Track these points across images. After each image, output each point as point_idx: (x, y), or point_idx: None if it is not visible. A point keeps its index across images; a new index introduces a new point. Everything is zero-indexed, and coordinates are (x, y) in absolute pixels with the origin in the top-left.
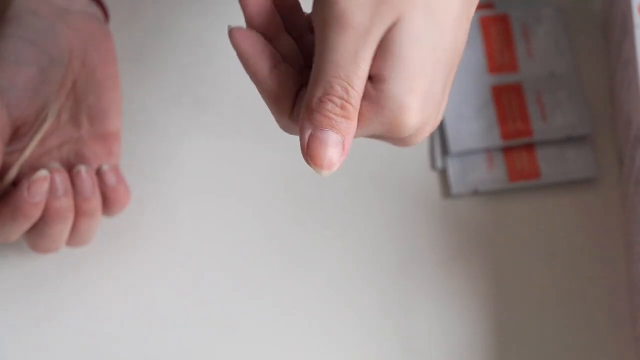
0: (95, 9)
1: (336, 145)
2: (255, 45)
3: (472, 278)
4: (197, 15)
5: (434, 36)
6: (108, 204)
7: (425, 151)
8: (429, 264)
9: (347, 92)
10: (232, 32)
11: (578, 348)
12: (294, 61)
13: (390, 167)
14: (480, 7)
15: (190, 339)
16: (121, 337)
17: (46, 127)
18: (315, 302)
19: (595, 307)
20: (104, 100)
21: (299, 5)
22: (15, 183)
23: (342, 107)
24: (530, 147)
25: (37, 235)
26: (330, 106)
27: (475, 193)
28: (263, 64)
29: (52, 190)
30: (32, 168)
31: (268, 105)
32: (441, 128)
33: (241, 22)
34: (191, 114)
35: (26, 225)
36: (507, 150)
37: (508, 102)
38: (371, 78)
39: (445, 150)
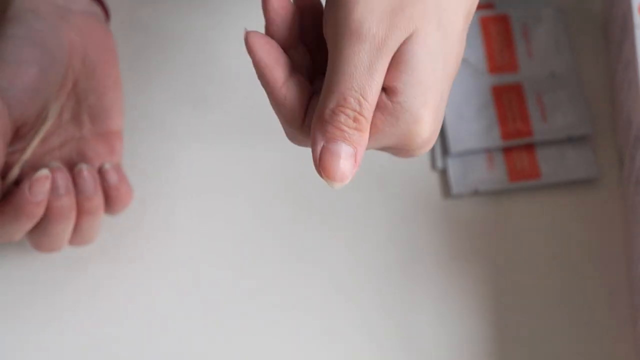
0: (95, 8)
1: (348, 158)
2: (271, 54)
3: (472, 278)
4: (200, 14)
5: (444, 50)
6: (110, 202)
7: None
8: (429, 264)
9: (360, 104)
10: (248, 37)
11: (578, 348)
12: (305, 71)
13: (391, 167)
14: (480, 7)
15: (192, 339)
16: (123, 337)
17: (47, 126)
18: (316, 302)
19: (595, 307)
20: (105, 99)
21: (321, 13)
22: (17, 182)
23: (355, 120)
24: (530, 147)
25: (40, 234)
26: (343, 118)
27: (475, 193)
28: (278, 74)
29: (53, 189)
30: (33, 167)
31: (278, 115)
32: (441, 128)
33: (244, 22)
34: (193, 113)
35: (28, 224)
36: (507, 150)
37: (508, 102)
38: (385, 89)
39: (445, 150)
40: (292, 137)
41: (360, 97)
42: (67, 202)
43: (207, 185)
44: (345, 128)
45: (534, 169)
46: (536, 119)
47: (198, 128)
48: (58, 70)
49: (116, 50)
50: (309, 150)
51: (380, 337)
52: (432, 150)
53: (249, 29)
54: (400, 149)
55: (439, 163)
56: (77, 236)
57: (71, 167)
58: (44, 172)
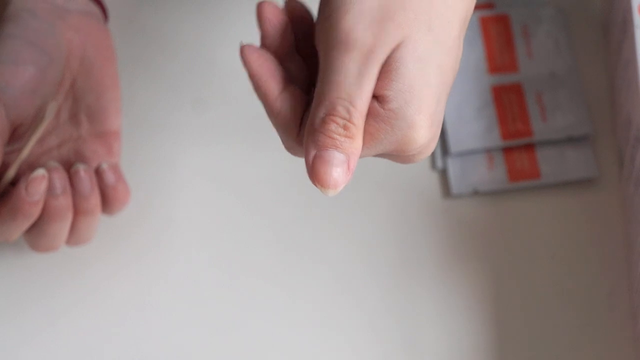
0: (93, 8)
1: (340, 165)
2: (266, 66)
3: (472, 278)
4: (199, 14)
5: (438, 57)
6: (107, 202)
7: None
8: (429, 264)
9: (350, 113)
10: (243, 50)
11: (578, 348)
12: (301, 81)
13: (391, 167)
14: (480, 7)
15: (192, 338)
16: (121, 337)
17: (44, 125)
18: (316, 302)
19: (595, 307)
20: (103, 99)
21: (312, 23)
22: (14, 182)
23: (345, 127)
24: (530, 147)
25: (37, 234)
26: (333, 126)
27: (475, 193)
28: (273, 86)
29: (50, 189)
30: (31, 167)
31: (274, 126)
32: (441, 128)
33: (243, 22)
34: (192, 113)
35: (25, 224)
36: (507, 150)
37: (508, 102)
38: (377, 98)
39: (445, 150)
40: (289, 148)
41: (350, 106)
42: (63, 202)
43: (205, 186)
44: (336, 136)
45: (534, 169)
46: (536, 119)
47: (197, 128)
48: (56, 70)
49: (114, 49)
50: None
51: (381, 336)
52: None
53: (245, 42)
54: (397, 156)
55: (439, 163)
56: (74, 236)
57: (69, 167)
58: (40, 172)
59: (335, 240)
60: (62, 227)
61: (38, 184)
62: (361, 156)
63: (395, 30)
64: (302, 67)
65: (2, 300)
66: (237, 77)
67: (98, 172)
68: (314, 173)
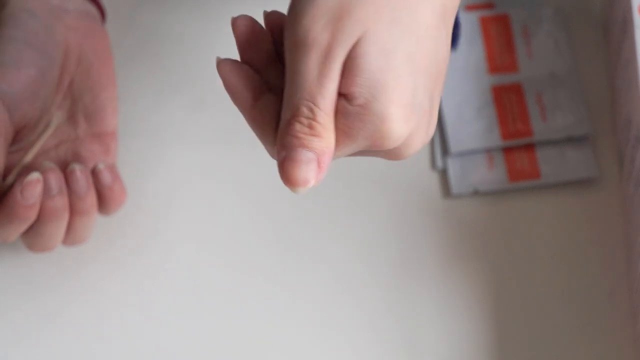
0: (91, 8)
1: (308, 162)
2: (240, 77)
3: (472, 278)
4: (196, 14)
5: (407, 46)
6: (104, 203)
7: (425, 151)
8: (429, 264)
9: (313, 112)
10: (218, 64)
11: (578, 348)
12: (281, 88)
13: (390, 167)
14: (480, 7)
15: (191, 338)
16: (117, 337)
17: (49, 133)
18: (315, 302)
19: (595, 307)
20: (100, 99)
21: None
22: (13, 185)
23: (310, 126)
24: (530, 147)
25: (33, 235)
26: (298, 127)
27: (475, 193)
28: (247, 95)
29: (45, 190)
30: (28, 168)
31: (255, 133)
32: (441, 128)
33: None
34: (190, 113)
35: (22, 227)
36: (507, 150)
37: (508, 102)
38: (345, 95)
39: (445, 150)
40: (270, 153)
41: (312, 105)
42: (59, 202)
43: (204, 186)
44: (302, 135)
45: (534, 169)
46: (536, 119)
47: (194, 128)
48: (54, 71)
49: (111, 50)
50: None
51: (381, 336)
52: (432, 150)
53: (221, 56)
54: (378, 152)
55: (439, 163)
56: (70, 236)
57: (66, 167)
58: (34, 175)
59: (335, 240)
60: (58, 228)
61: (33, 187)
62: (339, 155)
63: (353, 25)
64: (281, 75)
65: None
66: None
67: (94, 173)
68: (283, 173)
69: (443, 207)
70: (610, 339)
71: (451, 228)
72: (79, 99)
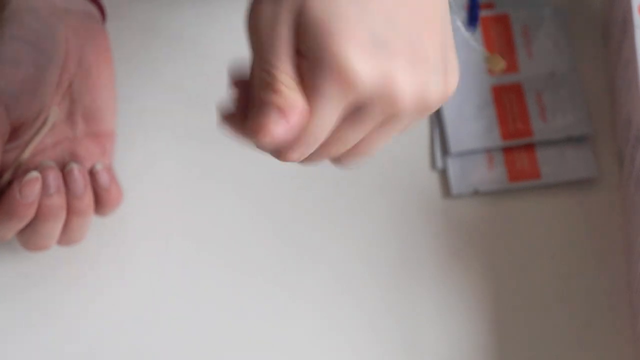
0: (92, 8)
1: (274, 115)
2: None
3: (472, 278)
4: (194, 13)
5: None
6: (100, 203)
7: (425, 151)
8: (429, 264)
9: (271, 74)
10: (221, 120)
11: (578, 348)
12: None
13: (391, 167)
14: (480, 6)
15: (189, 338)
16: (115, 337)
17: (46, 130)
18: (315, 301)
19: (595, 307)
20: (99, 100)
21: None
22: (10, 182)
23: (273, 89)
24: (530, 147)
25: (29, 233)
26: (262, 94)
27: (475, 193)
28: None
29: (44, 188)
30: (26, 167)
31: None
32: (441, 128)
33: (238, 20)
34: (187, 112)
35: (20, 225)
36: (507, 150)
37: (508, 102)
38: (301, 53)
39: (445, 150)
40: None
41: (269, 67)
42: (57, 201)
43: (203, 185)
44: (267, 97)
45: (533, 169)
46: (536, 119)
47: (192, 127)
48: (54, 71)
49: (111, 51)
50: None
51: (381, 336)
52: (432, 150)
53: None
54: (384, 112)
55: (439, 163)
56: (66, 235)
57: (63, 166)
58: (33, 174)
59: (335, 240)
60: (54, 227)
61: (32, 186)
62: (321, 114)
63: None
64: None
65: None
66: None
67: (92, 173)
68: (251, 129)
69: (443, 207)
70: (610, 339)
71: (451, 228)
72: (78, 100)
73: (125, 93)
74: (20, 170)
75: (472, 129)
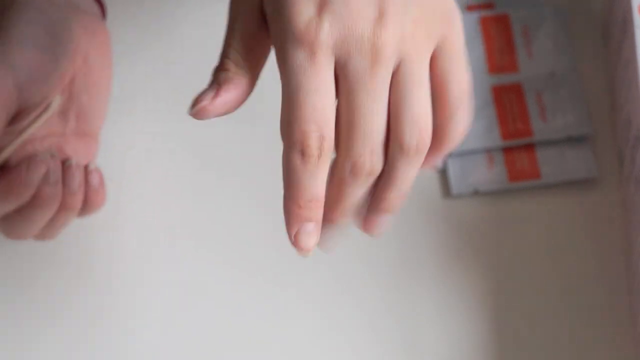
0: (96, 9)
1: (207, 91)
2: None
3: (472, 278)
4: (193, 15)
5: None
6: (86, 203)
7: None
8: (429, 264)
9: (224, 53)
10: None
11: (578, 348)
12: None
13: None
14: (480, 7)
15: (187, 338)
16: (112, 336)
17: (47, 116)
18: (315, 301)
19: (595, 307)
20: (95, 100)
21: None
22: (2, 167)
23: (222, 67)
24: (530, 147)
25: (17, 218)
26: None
27: (475, 193)
28: None
29: (46, 176)
30: (15, 154)
31: None
32: None
33: None
34: (185, 111)
35: (11, 206)
36: (507, 150)
37: (508, 102)
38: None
39: None
40: None
41: (224, 49)
42: (55, 191)
43: (202, 186)
44: (213, 75)
45: (533, 169)
46: (536, 119)
47: (192, 126)
48: (65, 63)
49: (112, 53)
50: None
51: (381, 336)
52: None
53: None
54: (354, 57)
55: (439, 163)
56: (47, 229)
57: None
58: (45, 156)
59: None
60: (43, 216)
61: (40, 167)
62: (297, 74)
63: None
64: None
65: None
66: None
67: (85, 172)
68: (191, 104)
69: (443, 207)
70: (610, 339)
71: (451, 228)
72: (76, 96)
73: (124, 91)
74: (11, 155)
75: (472, 129)
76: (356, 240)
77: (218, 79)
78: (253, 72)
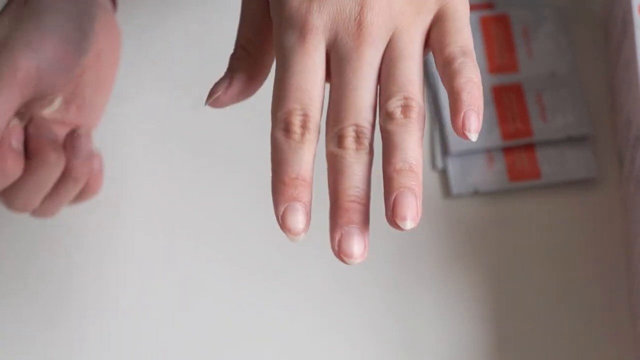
0: (109, 3)
1: (221, 82)
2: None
3: (472, 278)
4: (194, 12)
5: None
6: (86, 187)
7: (426, 151)
8: (429, 264)
9: (236, 42)
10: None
11: (578, 348)
12: None
13: None
14: (480, 7)
15: (186, 337)
16: (111, 334)
17: (51, 110)
18: (315, 300)
19: (595, 307)
20: (98, 96)
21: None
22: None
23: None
24: (530, 147)
25: (20, 184)
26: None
27: (475, 193)
28: None
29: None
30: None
31: None
32: (441, 128)
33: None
34: (188, 110)
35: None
36: (507, 150)
37: (508, 102)
38: None
39: (445, 150)
40: None
41: (237, 37)
42: (60, 155)
43: (202, 185)
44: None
45: (534, 169)
46: (536, 119)
47: (192, 125)
48: (84, 57)
49: (120, 53)
50: None
51: (381, 336)
52: (432, 150)
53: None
54: (341, 31)
55: (439, 163)
56: (49, 202)
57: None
58: (84, 130)
59: None
60: (49, 178)
61: (87, 141)
62: (293, 58)
63: None
64: None
65: None
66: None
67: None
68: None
69: (443, 207)
70: (610, 339)
71: (451, 228)
72: (81, 90)
73: (124, 90)
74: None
75: None
76: None
77: (231, 67)
78: (265, 58)
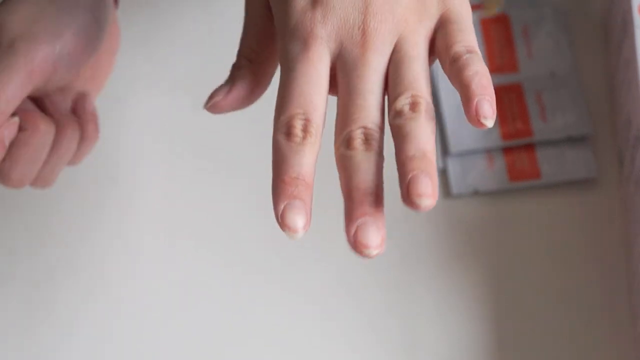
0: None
1: (221, 88)
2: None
3: (472, 278)
4: (194, 15)
5: None
6: (83, 140)
7: None
8: (429, 264)
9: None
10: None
11: (578, 348)
12: None
13: (390, 166)
14: (480, 7)
15: (186, 338)
16: (112, 334)
17: None
18: (315, 301)
19: (595, 307)
20: (91, 91)
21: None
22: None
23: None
24: (530, 147)
25: (15, 151)
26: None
27: (475, 193)
28: None
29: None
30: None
31: None
32: (441, 128)
33: (236, 19)
34: (190, 110)
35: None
36: (507, 150)
37: (508, 102)
38: None
39: (445, 150)
40: None
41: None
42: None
43: (202, 185)
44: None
45: (534, 169)
46: (536, 119)
47: (193, 125)
48: (95, 56)
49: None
50: None
51: (381, 336)
52: None
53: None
54: (345, 37)
55: (439, 163)
56: (46, 169)
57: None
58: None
59: (335, 240)
60: (43, 145)
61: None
62: (297, 68)
63: None
64: None
65: None
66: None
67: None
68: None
69: (443, 207)
70: (610, 339)
71: (451, 228)
72: (75, 85)
73: (125, 90)
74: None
75: (472, 128)
76: None
77: (233, 75)
78: (267, 68)
